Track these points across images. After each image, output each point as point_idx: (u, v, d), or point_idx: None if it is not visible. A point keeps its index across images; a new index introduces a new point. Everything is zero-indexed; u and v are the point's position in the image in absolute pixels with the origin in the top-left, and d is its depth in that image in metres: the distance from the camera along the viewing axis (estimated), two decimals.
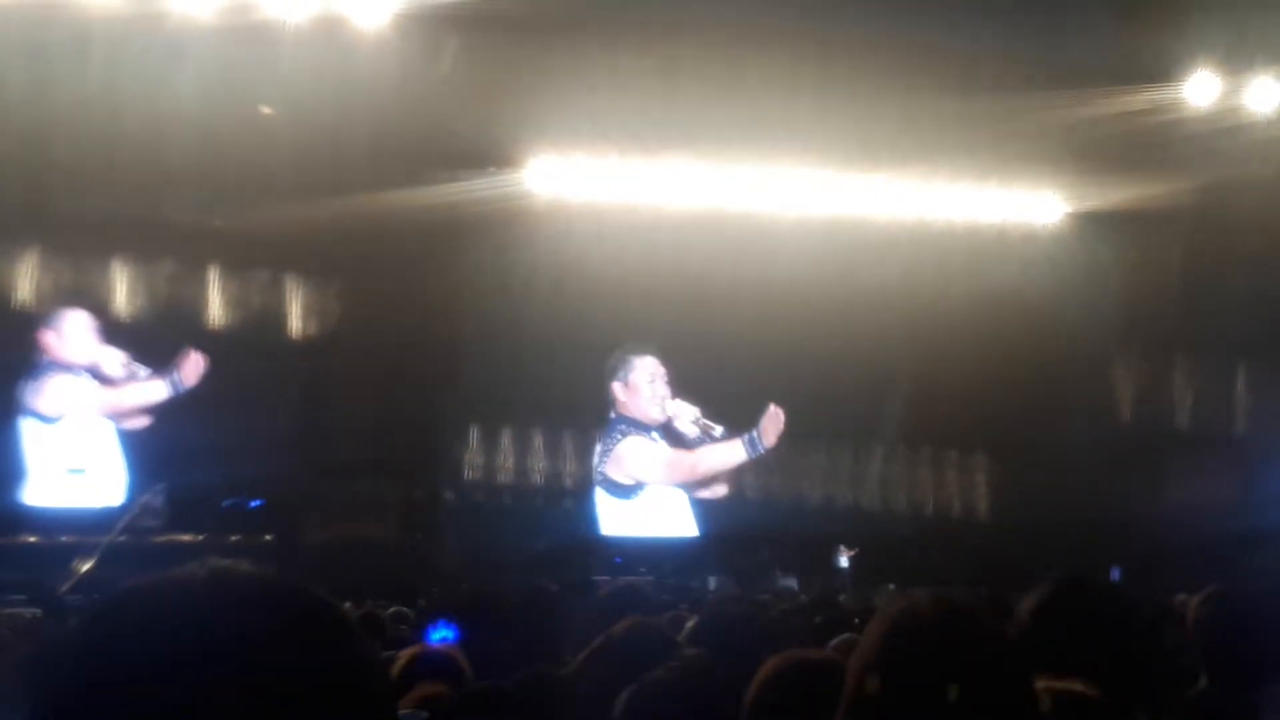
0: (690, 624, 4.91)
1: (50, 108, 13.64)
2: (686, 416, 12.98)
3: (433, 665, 4.12)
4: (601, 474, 13.08)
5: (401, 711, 3.44)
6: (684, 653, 4.20)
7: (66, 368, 12.80)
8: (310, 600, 1.14)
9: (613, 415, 13.09)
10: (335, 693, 1.10)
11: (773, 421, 12.42)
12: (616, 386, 13.11)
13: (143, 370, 12.70)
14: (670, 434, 13.36)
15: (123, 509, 11.78)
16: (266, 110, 14.26)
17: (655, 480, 12.95)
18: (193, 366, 12.53)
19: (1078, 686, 2.47)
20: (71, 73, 13.52)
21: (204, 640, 1.07)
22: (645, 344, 13.35)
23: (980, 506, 17.20)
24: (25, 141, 13.77)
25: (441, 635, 4.78)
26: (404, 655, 4.27)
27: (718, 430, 13.14)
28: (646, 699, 3.02)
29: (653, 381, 13.16)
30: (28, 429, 12.81)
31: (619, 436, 12.92)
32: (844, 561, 14.45)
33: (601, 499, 13.19)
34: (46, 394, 12.71)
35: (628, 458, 12.84)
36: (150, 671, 1.05)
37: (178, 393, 12.58)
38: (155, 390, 12.64)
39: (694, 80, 14.89)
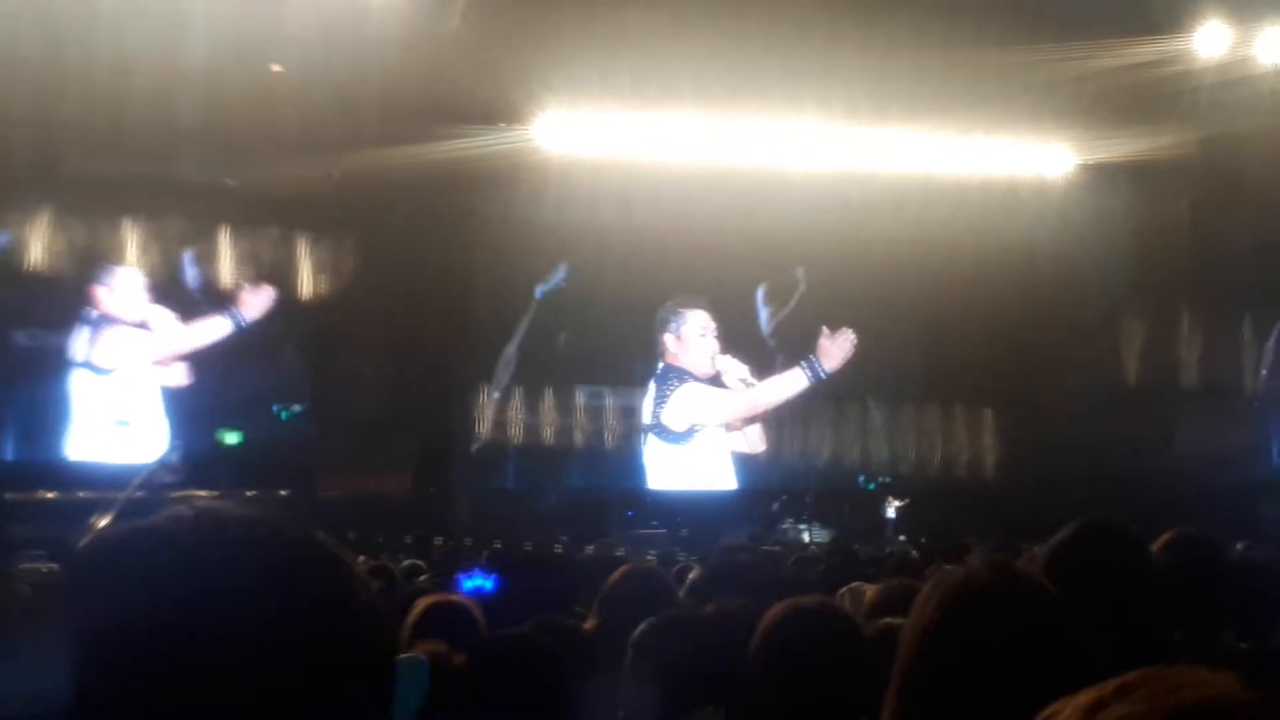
0: (694, 574, 4.99)
1: (60, 68, 13.66)
2: (734, 373, 13.08)
3: (447, 617, 4.06)
4: (656, 420, 13.21)
5: (401, 656, 3.48)
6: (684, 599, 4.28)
7: (118, 322, 13.01)
8: (300, 536, 1.13)
9: (661, 366, 13.24)
10: (330, 627, 1.09)
11: (835, 343, 12.34)
12: (668, 338, 13.22)
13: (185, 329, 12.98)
14: (718, 388, 13.47)
15: (141, 465, 11.91)
16: (277, 68, 14.27)
17: (714, 420, 13.05)
18: (256, 298, 12.73)
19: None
20: (81, 33, 13.53)
21: (194, 579, 1.06)
22: (697, 297, 13.44)
23: (989, 459, 17.26)
24: (36, 103, 13.80)
25: (476, 584, 4.74)
26: (418, 606, 4.23)
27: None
28: (657, 636, 3.09)
29: (704, 335, 13.26)
30: (77, 381, 13.03)
31: (675, 383, 13.05)
32: (891, 512, 14.54)
33: (653, 446, 13.34)
34: (101, 346, 12.91)
35: (687, 401, 12.98)
36: (141, 614, 1.05)
37: (241, 327, 12.78)
38: (218, 326, 12.85)
39: (703, 35, 14.85)
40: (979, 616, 2.09)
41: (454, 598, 4.44)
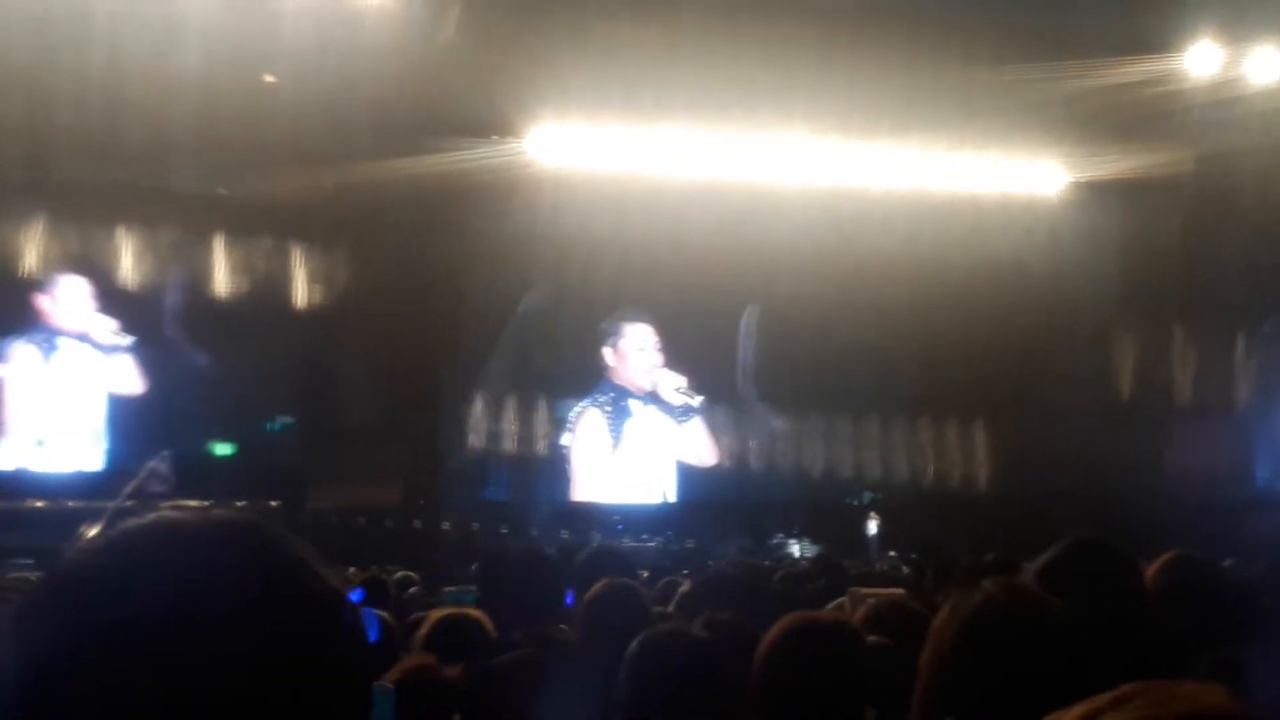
0: (684, 587, 4.99)
1: (54, 76, 13.66)
2: (670, 385, 13.20)
3: (459, 630, 4.10)
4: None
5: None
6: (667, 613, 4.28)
7: (60, 332, 13.04)
8: (257, 534, 1.11)
9: (604, 381, 13.37)
10: (292, 625, 1.07)
11: None
12: (607, 352, 13.34)
13: (128, 339, 13.00)
14: (657, 402, 13.56)
15: (131, 474, 11.90)
16: (270, 78, 14.27)
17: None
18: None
19: None
20: (75, 41, 13.53)
21: (152, 590, 1.04)
22: (640, 311, 13.47)
23: (981, 474, 17.26)
24: (29, 110, 13.80)
25: (458, 596, 4.75)
26: (431, 618, 4.26)
27: (697, 400, 13.37)
28: (650, 651, 3.08)
29: (642, 349, 13.36)
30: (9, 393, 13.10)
31: (582, 408, 13.44)
32: (873, 529, 14.54)
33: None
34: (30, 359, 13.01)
35: (577, 428, 13.35)
36: (105, 630, 1.03)
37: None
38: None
39: (696, 49, 14.88)
40: (999, 639, 2.11)
41: (467, 610, 4.44)
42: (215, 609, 1.05)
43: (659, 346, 13.41)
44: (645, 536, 13.86)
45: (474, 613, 4.34)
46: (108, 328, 13.02)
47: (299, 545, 1.12)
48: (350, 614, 1.13)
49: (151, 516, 1.11)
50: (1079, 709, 0.99)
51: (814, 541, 14.38)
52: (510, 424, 15.79)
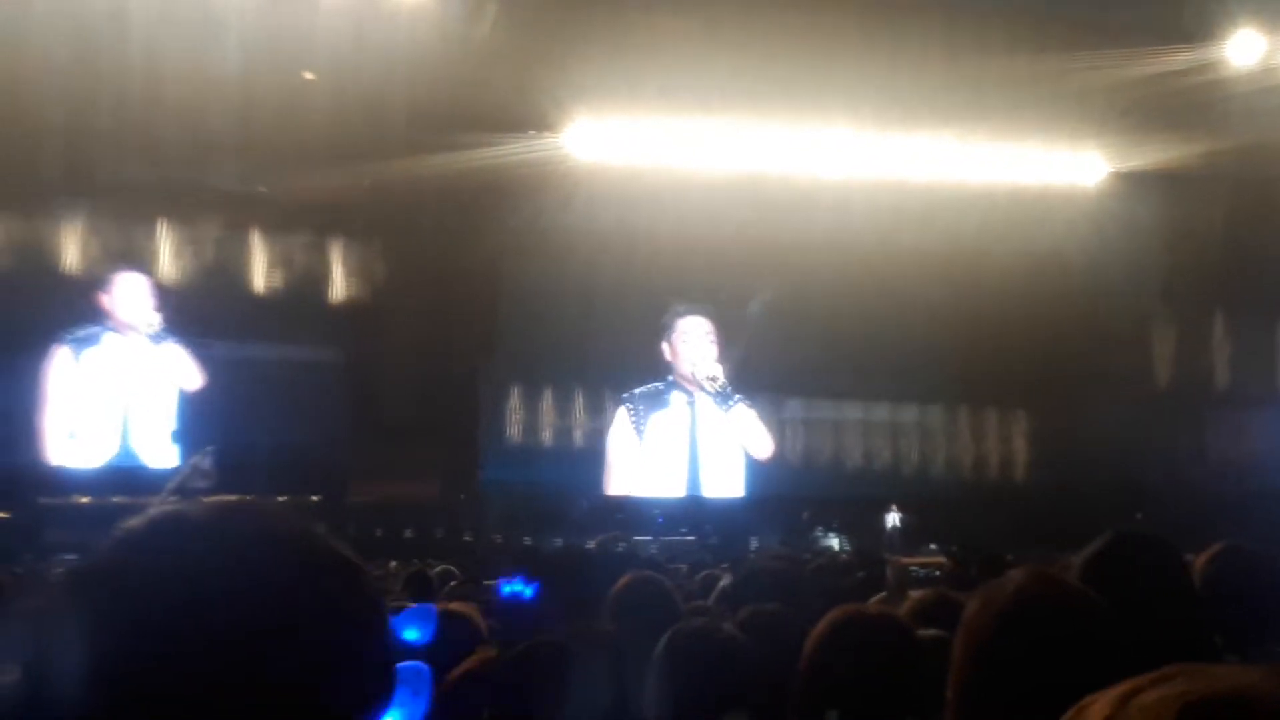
0: (724, 581, 4.99)
1: (94, 76, 13.76)
2: (704, 373, 13.28)
3: (448, 626, 4.10)
4: None
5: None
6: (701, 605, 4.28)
7: (119, 328, 13.19)
8: (252, 518, 1.13)
9: (663, 374, 13.56)
10: (287, 601, 1.08)
11: None
12: (664, 345, 13.41)
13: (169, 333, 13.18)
14: (707, 393, 13.60)
15: (173, 470, 12.00)
16: (309, 76, 14.34)
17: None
18: None
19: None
20: (114, 41, 13.63)
21: (154, 580, 1.07)
22: (697, 304, 13.52)
23: (1021, 466, 17.20)
24: (70, 110, 13.91)
25: (515, 590, 4.77)
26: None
27: (719, 385, 13.48)
28: (687, 642, 3.09)
29: (687, 342, 13.39)
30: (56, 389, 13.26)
31: (619, 401, 13.63)
32: (894, 521, 14.50)
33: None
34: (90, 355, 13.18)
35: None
36: (112, 623, 1.04)
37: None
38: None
39: (732, 43, 14.85)
40: (1033, 628, 2.09)
41: (454, 607, 4.46)
42: (211, 593, 1.07)
43: (713, 339, 13.48)
44: (684, 530, 13.86)
45: (465, 609, 4.35)
46: (155, 323, 13.20)
47: (301, 526, 1.14)
48: (349, 580, 1.14)
49: (153, 511, 1.15)
50: (1121, 687, 1.00)
51: (851, 535, 14.34)
52: (548, 417, 15.82)
